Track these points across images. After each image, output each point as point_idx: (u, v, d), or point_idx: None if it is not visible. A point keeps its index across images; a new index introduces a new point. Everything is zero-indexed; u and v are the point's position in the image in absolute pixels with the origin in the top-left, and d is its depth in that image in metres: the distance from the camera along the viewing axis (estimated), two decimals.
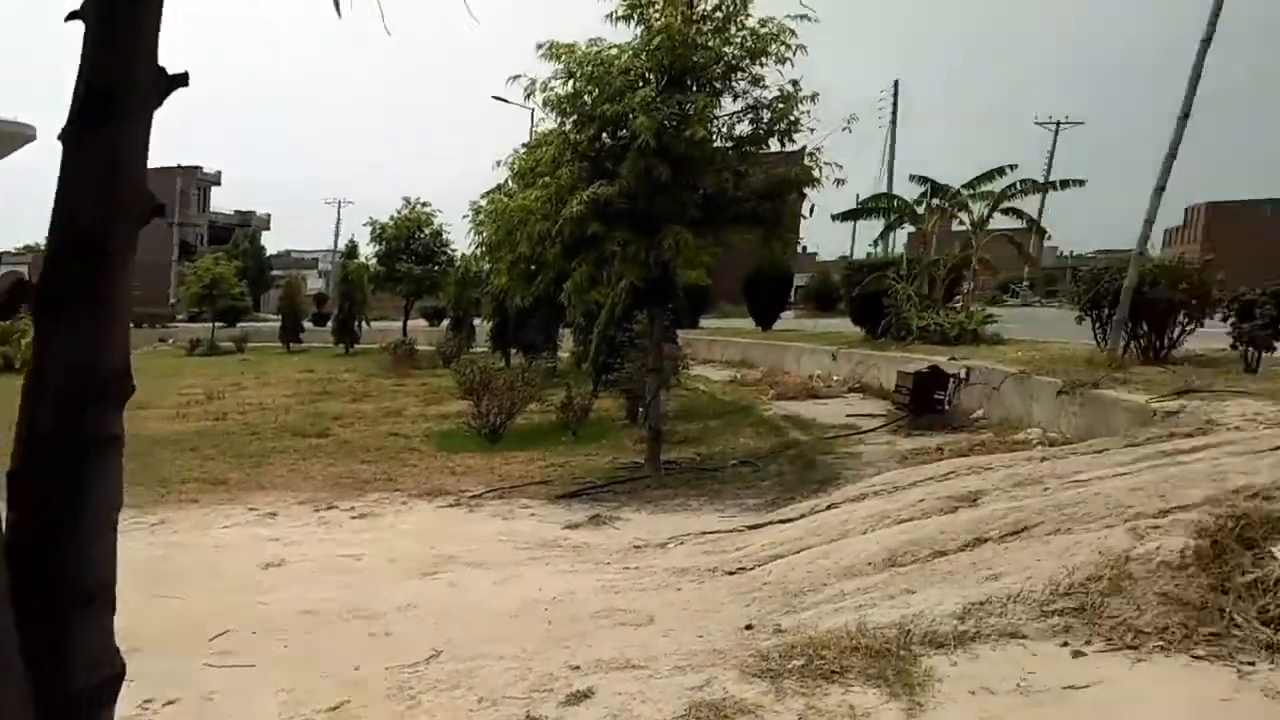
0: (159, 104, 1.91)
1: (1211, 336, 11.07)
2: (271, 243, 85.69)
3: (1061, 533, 5.02)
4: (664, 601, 5.83)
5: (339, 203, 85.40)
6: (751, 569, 6.21)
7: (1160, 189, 11.18)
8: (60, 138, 1.85)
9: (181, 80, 1.96)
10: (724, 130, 9.93)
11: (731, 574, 6.24)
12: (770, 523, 7.37)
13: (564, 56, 9.37)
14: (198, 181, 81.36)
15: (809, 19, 9.04)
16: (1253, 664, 3.28)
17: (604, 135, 9.59)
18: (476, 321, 30.06)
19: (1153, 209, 11.30)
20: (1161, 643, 3.57)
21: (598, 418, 14.82)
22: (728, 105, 9.77)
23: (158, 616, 5.78)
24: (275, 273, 71.95)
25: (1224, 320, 10.38)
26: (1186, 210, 64.86)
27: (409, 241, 34.33)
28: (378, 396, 19.22)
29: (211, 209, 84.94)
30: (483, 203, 12.95)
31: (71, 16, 1.89)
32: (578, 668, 4.72)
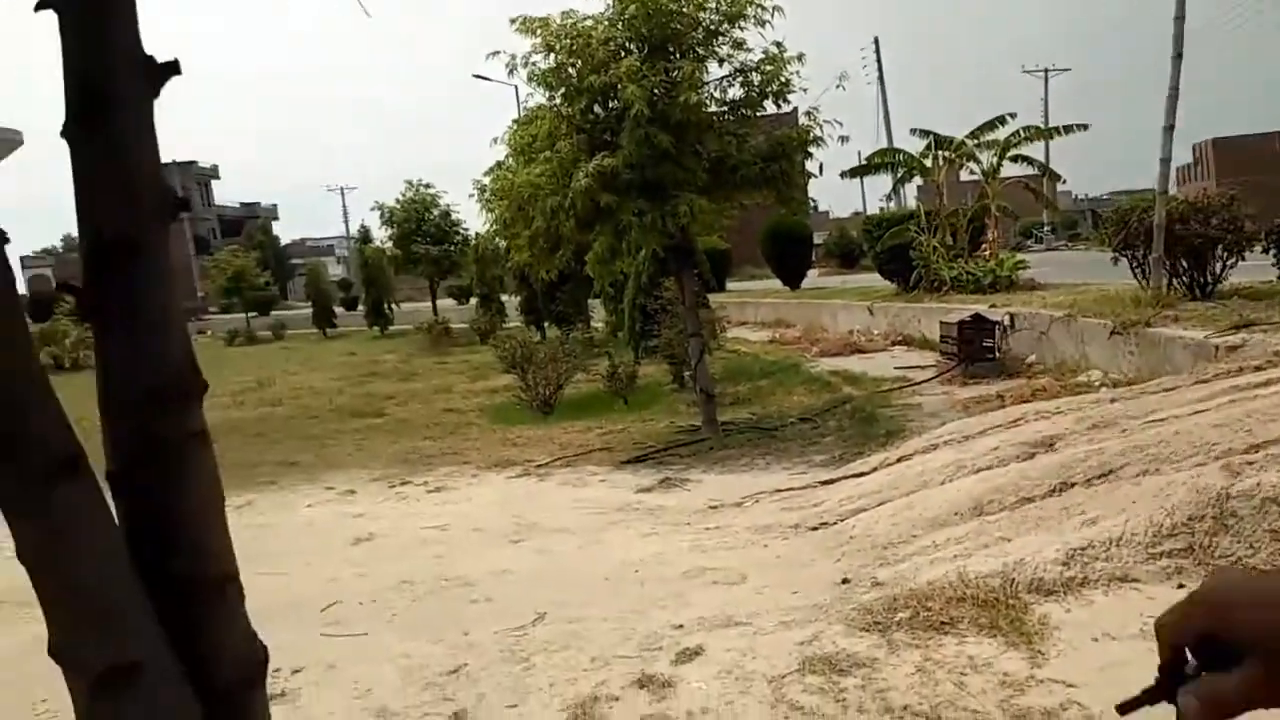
0: (155, 94, 1.87)
1: (1252, 270, 10.98)
2: (283, 232, 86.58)
3: (1151, 473, 5.08)
4: (753, 559, 5.95)
5: (342, 189, 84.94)
6: (834, 524, 6.32)
7: (1170, 127, 11.24)
8: (63, 135, 1.83)
9: (173, 68, 1.92)
10: (716, 95, 9.96)
11: (815, 529, 6.35)
12: (844, 477, 7.47)
13: (540, 30, 9.33)
14: (196, 176, 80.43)
15: None
16: None
17: (595, 107, 9.60)
18: (504, 298, 30.21)
19: (1166, 147, 11.36)
20: None
21: (644, 384, 14.94)
22: (715, 70, 9.81)
23: (266, 592, 5.98)
24: (294, 261, 72.44)
25: (1265, 252, 10.29)
26: (1194, 147, 63.49)
27: (419, 223, 34.44)
28: (424, 375, 19.47)
29: (216, 202, 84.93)
30: (486, 180, 12.89)
31: (42, 5, 1.80)
32: (681, 626, 4.86)
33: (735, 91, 9.83)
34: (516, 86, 34.81)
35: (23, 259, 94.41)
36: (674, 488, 8.22)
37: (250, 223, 77.77)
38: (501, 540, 6.96)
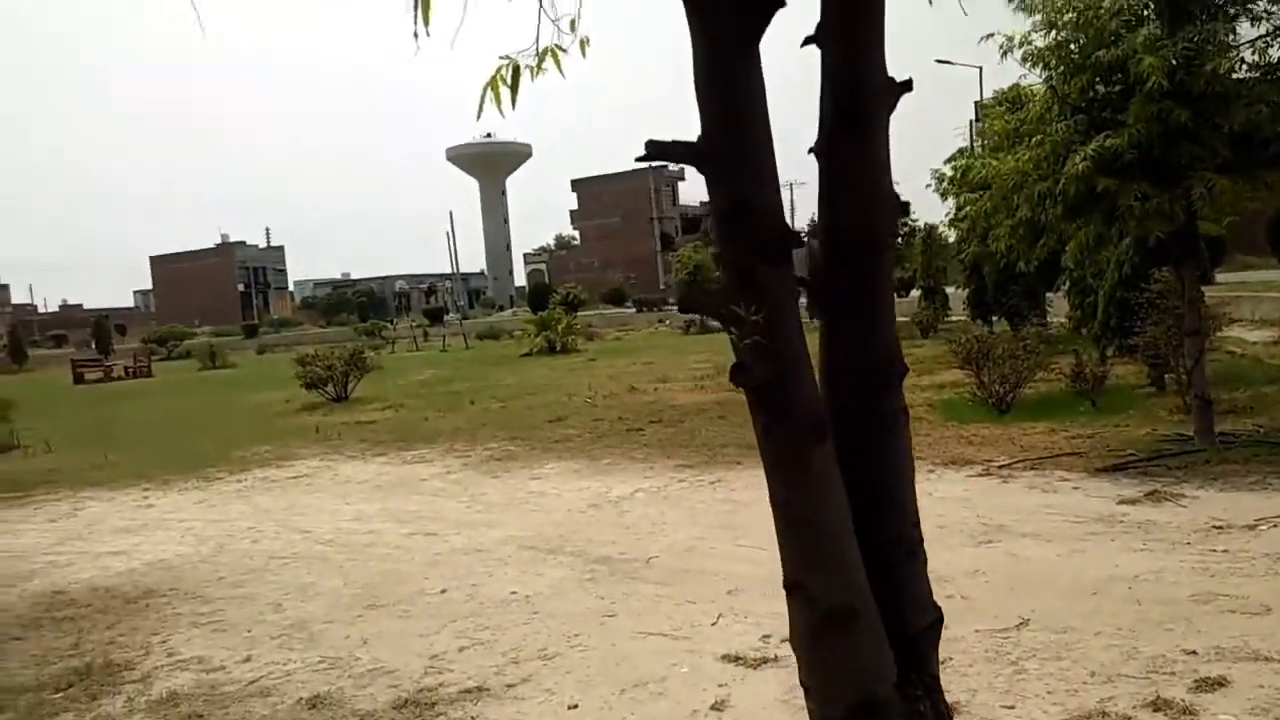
0: (892, 110, 2.08)
1: None
2: None
3: None
4: (1277, 590, 5.20)
5: (791, 185, 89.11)
6: None
7: None
8: (814, 152, 2.08)
9: (906, 86, 2.12)
10: (1249, 59, 8.57)
11: None
12: None
13: (1043, 6, 8.70)
14: (666, 179, 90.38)
15: None
16: None
17: (1097, 84, 8.74)
18: (950, 290, 29.21)
19: None
20: None
21: (1114, 386, 13.58)
22: (1246, 32, 8.45)
23: (751, 562, 6.51)
24: None
25: None
26: None
27: None
28: None
29: (681, 202, 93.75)
30: (947, 170, 12.37)
31: (808, 41, 2.12)
32: (1195, 653, 4.42)
33: (1276, 52, 8.54)
34: (980, 68, 33.40)
35: (525, 256, 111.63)
36: (1164, 501, 7.42)
37: (706, 220, 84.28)
38: (967, 539, 6.82)
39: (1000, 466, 9.20)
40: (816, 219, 2.12)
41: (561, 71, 2.42)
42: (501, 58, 2.43)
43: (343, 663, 5.30)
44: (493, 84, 2.33)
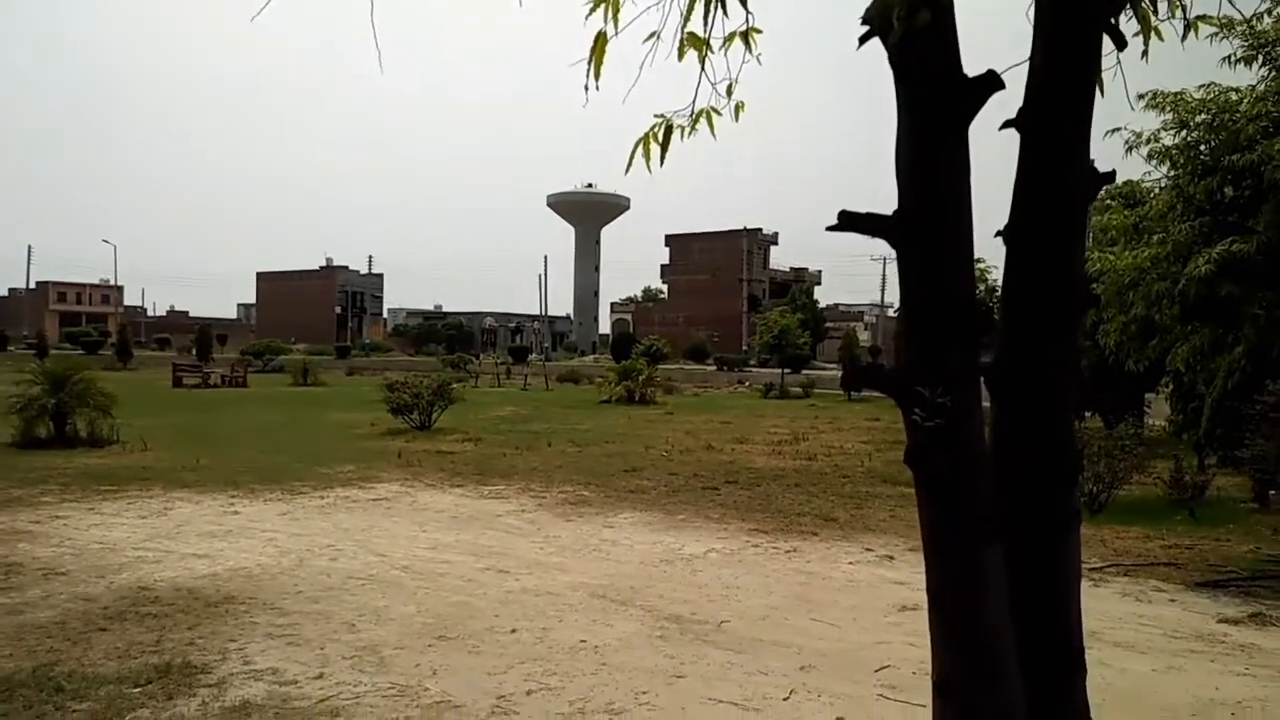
0: (1091, 200, 2.03)
1: None
2: (822, 296, 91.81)
3: None
4: None
5: (884, 260, 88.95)
6: None
7: None
8: (1002, 235, 2.05)
9: (1109, 178, 2.08)
10: None
11: None
12: None
13: (1173, 106, 8.53)
14: (759, 241, 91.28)
15: None
16: None
17: (1225, 187, 8.50)
18: None
19: None
20: None
21: (1214, 497, 12.95)
22: None
23: (820, 638, 6.35)
24: (827, 325, 76.35)
25: None
26: None
27: None
28: None
29: (771, 266, 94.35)
30: None
31: (1007, 125, 2.11)
32: None
33: None
34: (1093, 160, 33.24)
35: (611, 304, 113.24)
36: (1270, 626, 7.01)
37: (796, 285, 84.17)
38: None
39: (1091, 569, 8.81)
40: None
41: (714, 133, 2.47)
42: (656, 116, 2.49)
43: (412, 691, 5.32)
44: (645, 141, 2.39)
